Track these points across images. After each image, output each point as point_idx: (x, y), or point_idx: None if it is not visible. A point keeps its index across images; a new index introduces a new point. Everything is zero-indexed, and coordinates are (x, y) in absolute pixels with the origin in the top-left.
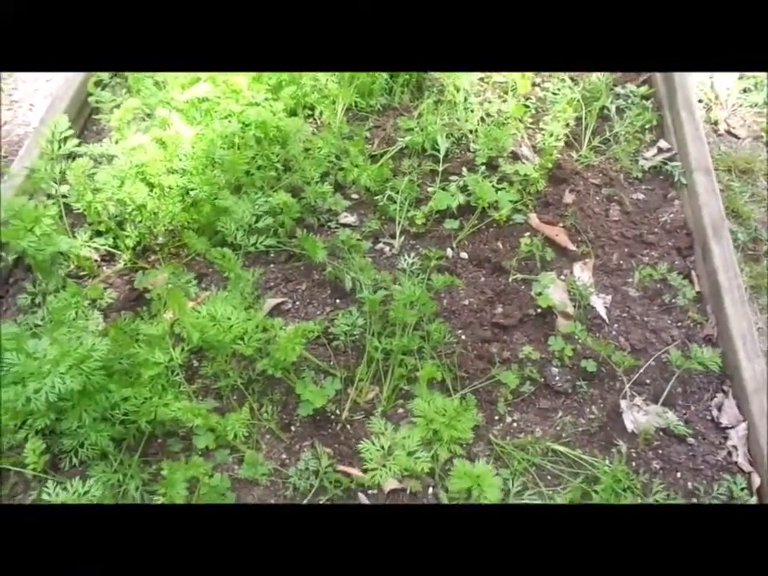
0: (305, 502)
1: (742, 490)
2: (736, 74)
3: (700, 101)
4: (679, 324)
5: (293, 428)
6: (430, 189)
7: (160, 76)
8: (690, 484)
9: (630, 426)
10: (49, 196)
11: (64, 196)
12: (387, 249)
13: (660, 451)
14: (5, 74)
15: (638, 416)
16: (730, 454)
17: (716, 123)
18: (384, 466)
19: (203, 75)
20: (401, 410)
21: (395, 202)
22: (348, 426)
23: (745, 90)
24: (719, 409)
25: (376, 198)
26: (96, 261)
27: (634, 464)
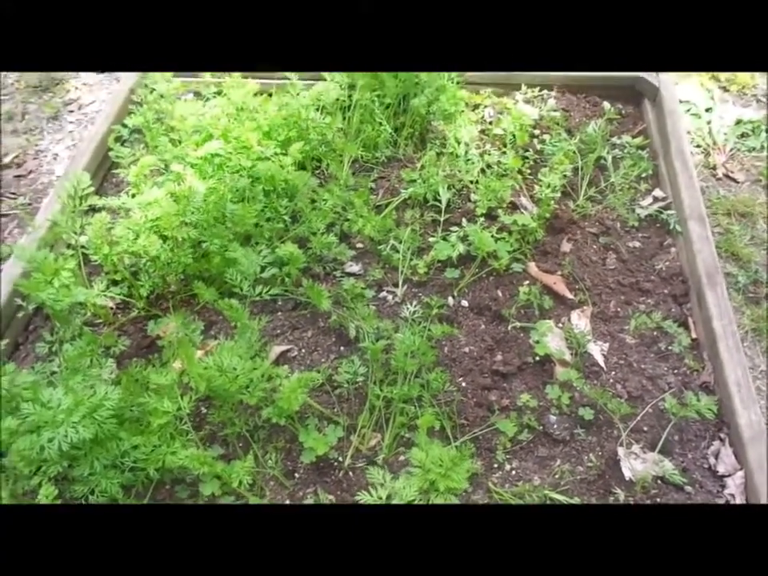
0: None
1: None
2: (733, 119)
3: (698, 146)
4: (675, 371)
5: (296, 475)
6: (431, 239)
7: (175, 134)
8: None
9: (627, 474)
10: (69, 246)
11: (83, 247)
12: (390, 297)
13: (658, 500)
14: (32, 126)
15: (636, 464)
16: (727, 502)
17: (714, 168)
18: None
19: (216, 132)
20: (402, 458)
21: (398, 252)
22: (350, 473)
23: (743, 135)
24: (716, 457)
25: (380, 247)
26: (111, 308)
27: None
